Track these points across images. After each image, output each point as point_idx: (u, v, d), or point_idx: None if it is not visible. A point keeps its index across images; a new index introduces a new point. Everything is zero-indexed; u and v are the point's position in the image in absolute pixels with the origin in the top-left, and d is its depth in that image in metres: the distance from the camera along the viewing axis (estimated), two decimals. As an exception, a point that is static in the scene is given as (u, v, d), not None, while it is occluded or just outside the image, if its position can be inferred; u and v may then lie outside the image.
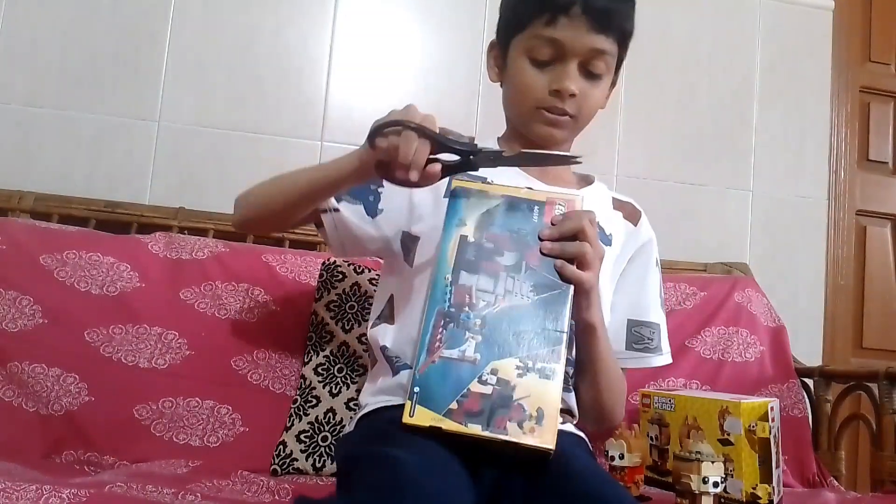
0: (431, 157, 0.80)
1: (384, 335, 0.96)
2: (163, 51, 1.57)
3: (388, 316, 0.99)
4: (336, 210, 0.97)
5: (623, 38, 0.96)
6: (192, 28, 1.59)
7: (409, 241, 0.99)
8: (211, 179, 1.56)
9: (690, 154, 1.83)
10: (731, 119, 1.86)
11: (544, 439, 0.74)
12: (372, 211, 0.98)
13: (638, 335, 1.04)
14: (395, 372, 0.93)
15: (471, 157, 0.83)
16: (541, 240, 0.83)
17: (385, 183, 0.93)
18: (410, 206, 0.99)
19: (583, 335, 0.93)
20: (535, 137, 0.99)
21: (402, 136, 0.78)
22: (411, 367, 0.89)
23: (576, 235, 0.83)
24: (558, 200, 0.86)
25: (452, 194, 0.85)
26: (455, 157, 0.83)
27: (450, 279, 0.81)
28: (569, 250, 0.83)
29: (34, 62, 1.52)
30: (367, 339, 1.02)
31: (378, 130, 0.79)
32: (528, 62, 0.95)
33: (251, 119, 1.59)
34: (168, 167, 1.56)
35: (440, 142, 0.80)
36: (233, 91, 1.60)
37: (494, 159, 0.84)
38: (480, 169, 0.85)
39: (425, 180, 0.80)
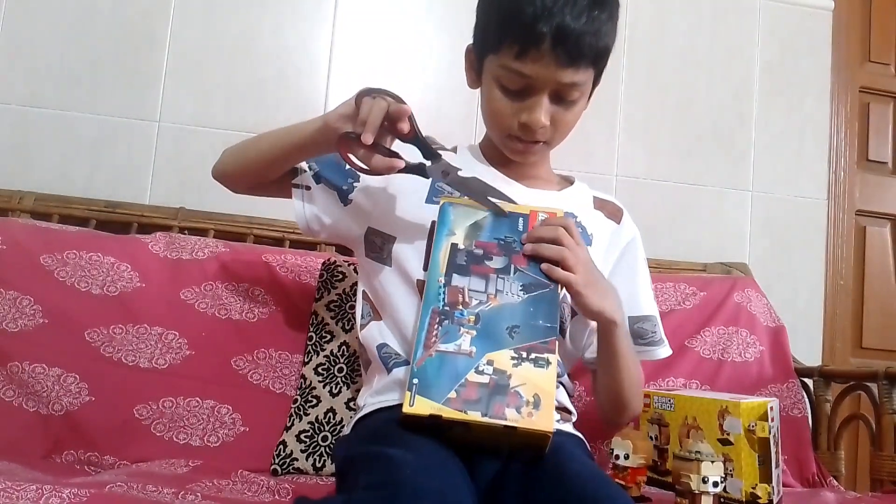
0: (393, 151, 0.87)
1: (379, 333, 0.97)
2: (163, 51, 1.57)
3: (372, 314, 1.00)
4: (308, 188, 1.02)
5: (598, 59, 0.92)
6: (192, 28, 1.59)
7: (378, 239, 1.00)
8: (211, 180, 1.55)
9: (690, 154, 1.83)
10: (731, 119, 1.86)
11: (543, 423, 0.76)
12: (345, 199, 1.03)
13: (641, 330, 1.06)
14: (390, 370, 0.93)
15: (425, 163, 0.90)
16: (522, 244, 0.88)
17: (361, 178, 1.01)
18: (385, 207, 1.01)
19: (604, 335, 0.95)
20: (510, 156, 1.01)
21: (376, 100, 0.84)
22: (405, 364, 0.91)
23: (554, 242, 0.87)
24: (540, 212, 0.92)
25: (441, 208, 0.90)
26: (414, 161, 0.89)
27: (443, 281, 0.85)
28: (544, 252, 0.87)
29: (34, 62, 1.52)
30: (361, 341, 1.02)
31: (368, 92, 0.86)
32: (499, 90, 0.93)
33: (251, 119, 1.59)
34: (168, 167, 1.56)
35: (416, 132, 0.87)
36: (233, 91, 1.60)
37: (446, 173, 0.91)
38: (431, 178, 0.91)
39: (382, 166, 0.86)
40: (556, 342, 0.82)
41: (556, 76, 0.89)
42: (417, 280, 0.94)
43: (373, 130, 0.82)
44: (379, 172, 0.88)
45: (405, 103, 0.85)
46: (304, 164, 1.03)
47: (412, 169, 0.90)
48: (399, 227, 0.99)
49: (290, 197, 1.04)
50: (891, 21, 2.08)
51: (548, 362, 0.80)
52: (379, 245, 1.00)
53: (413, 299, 0.94)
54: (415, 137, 0.88)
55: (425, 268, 0.94)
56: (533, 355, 0.80)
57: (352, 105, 0.86)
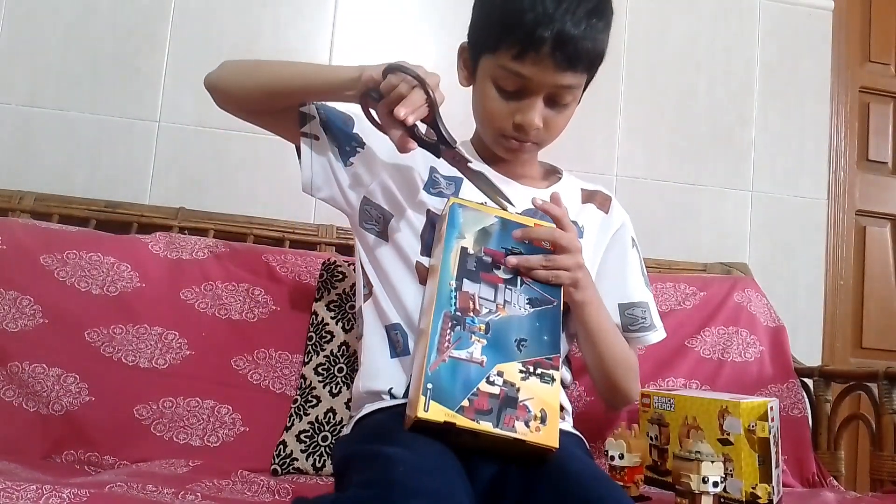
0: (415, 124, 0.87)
1: (386, 308, 0.98)
2: (163, 51, 1.57)
3: (373, 284, 1.02)
4: (317, 138, 1.01)
5: (592, 64, 0.95)
6: (192, 28, 1.59)
7: (374, 210, 1.02)
8: (211, 179, 1.56)
9: (690, 154, 1.83)
10: (731, 119, 1.86)
11: (550, 438, 0.78)
12: (345, 159, 1.03)
13: (632, 317, 1.07)
14: (393, 355, 0.95)
15: (441, 146, 0.90)
16: (510, 251, 0.88)
17: (365, 146, 1.02)
18: (383, 184, 1.02)
19: (575, 313, 0.98)
20: (500, 155, 1.02)
21: (413, 90, 0.84)
22: (407, 355, 0.94)
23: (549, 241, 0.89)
24: (545, 224, 0.92)
25: (451, 209, 0.91)
26: (430, 141, 0.90)
27: (454, 285, 0.85)
28: (532, 262, 0.88)
29: (35, 62, 1.52)
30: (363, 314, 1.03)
31: (397, 68, 0.85)
32: (494, 89, 0.95)
33: (251, 119, 1.59)
34: (168, 167, 1.56)
35: (434, 117, 0.87)
36: (233, 91, 1.60)
37: (456, 162, 0.92)
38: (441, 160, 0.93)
39: (397, 141, 0.86)
40: (560, 359, 0.84)
41: (552, 79, 0.91)
42: (417, 262, 0.97)
43: (414, 115, 0.83)
44: (392, 141, 0.88)
45: (430, 87, 0.85)
46: (312, 109, 1.02)
47: (426, 145, 0.90)
48: (396, 207, 1.01)
49: (287, 137, 1.04)
50: (891, 21, 2.08)
51: (553, 378, 0.81)
52: (375, 217, 1.02)
53: (412, 279, 0.97)
54: (433, 122, 0.88)
55: (422, 252, 0.97)
56: (539, 370, 0.81)
57: (378, 76, 0.86)
